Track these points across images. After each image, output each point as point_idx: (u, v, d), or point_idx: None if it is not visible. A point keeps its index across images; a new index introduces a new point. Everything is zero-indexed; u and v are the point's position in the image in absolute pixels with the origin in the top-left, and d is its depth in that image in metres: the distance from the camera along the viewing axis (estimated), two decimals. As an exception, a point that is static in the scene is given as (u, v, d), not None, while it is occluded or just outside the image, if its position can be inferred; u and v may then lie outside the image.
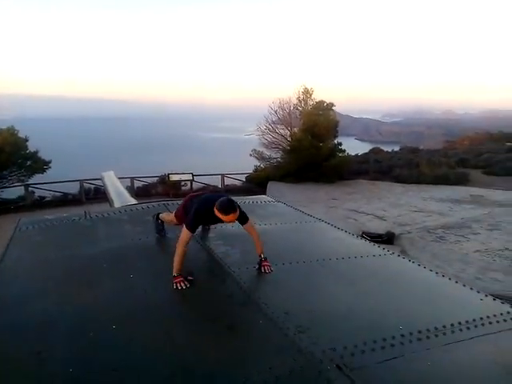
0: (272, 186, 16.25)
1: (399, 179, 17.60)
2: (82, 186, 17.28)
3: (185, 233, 2.79)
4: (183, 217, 3.21)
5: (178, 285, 2.64)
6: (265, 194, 17.26)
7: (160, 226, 3.75)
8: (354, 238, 3.95)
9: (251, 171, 20.61)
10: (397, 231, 9.90)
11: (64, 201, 16.94)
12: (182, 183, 19.12)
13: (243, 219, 2.90)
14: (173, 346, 2.02)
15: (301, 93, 18.12)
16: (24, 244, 3.74)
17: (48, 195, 17.16)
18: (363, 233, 9.65)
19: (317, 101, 18.00)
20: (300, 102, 18.20)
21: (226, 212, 2.65)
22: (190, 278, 2.73)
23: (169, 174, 18.71)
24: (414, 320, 2.31)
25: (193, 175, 18.79)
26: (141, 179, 19.50)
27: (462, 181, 16.94)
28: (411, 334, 2.15)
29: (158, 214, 3.79)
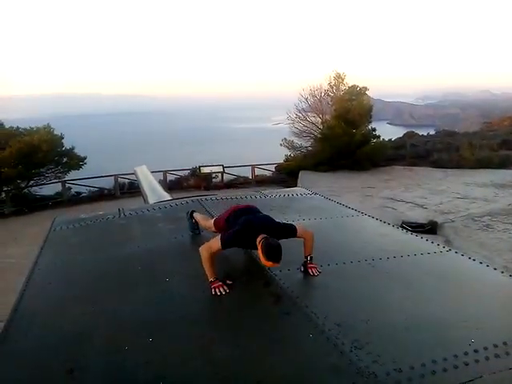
0: (304, 175, 15.91)
1: (438, 164, 16.81)
2: (116, 181, 17.61)
3: (216, 244, 2.59)
4: (224, 227, 3.00)
5: (217, 290, 2.45)
6: (296, 183, 17.12)
7: (195, 225, 3.58)
8: (403, 233, 3.64)
9: (281, 161, 20.33)
10: (439, 220, 9.38)
11: (99, 196, 17.36)
12: (213, 175, 19.14)
13: (291, 233, 2.67)
14: (212, 364, 1.83)
15: (332, 78, 17.54)
16: (58, 245, 3.68)
17: (84, 191, 17.66)
18: (403, 223, 9.19)
19: (349, 86, 17.34)
20: (332, 87, 17.63)
21: (269, 258, 2.38)
22: (228, 282, 2.54)
23: (200, 167, 18.77)
24: (487, 331, 2.01)
25: (223, 167, 18.75)
26: (173, 172, 19.65)
27: (505, 164, 15.95)
28: (486, 348, 1.86)
29: (192, 211, 3.61)
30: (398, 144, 21.13)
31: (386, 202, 11.39)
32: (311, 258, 2.71)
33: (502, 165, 15.73)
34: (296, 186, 17.10)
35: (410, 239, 3.45)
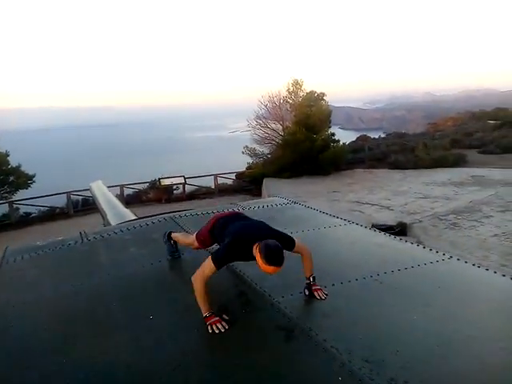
0: (268, 182, 15.73)
1: (396, 165, 17.26)
2: (69, 199, 16.53)
3: (209, 267, 2.22)
4: (208, 240, 2.65)
5: (214, 327, 2.08)
6: (260, 191, 16.90)
7: (173, 248, 3.17)
8: (397, 242, 3.43)
9: (242, 169, 20.07)
10: (407, 221, 9.47)
11: (51, 215, 16.19)
12: (174, 187, 18.51)
13: (289, 245, 2.33)
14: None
15: (290, 85, 17.57)
16: (13, 281, 3.13)
17: (34, 211, 16.39)
18: (373, 225, 9.19)
19: (307, 92, 17.45)
20: (290, 94, 17.64)
21: (270, 262, 2.05)
22: (225, 316, 2.17)
23: (160, 179, 18.09)
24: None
25: (184, 178, 18.20)
26: (130, 186, 18.80)
27: (459, 162, 16.67)
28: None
29: (170, 232, 3.21)
30: (356, 147, 21.60)
31: (353, 206, 11.42)
32: (314, 278, 2.42)
33: (456, 163, 16.42)
34: (260, 193, 16.94)
35: (407, 248, 3.26)
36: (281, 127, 18.02)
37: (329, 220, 4.13)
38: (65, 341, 2.15)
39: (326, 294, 2.34)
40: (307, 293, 2.36)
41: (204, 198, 17.50)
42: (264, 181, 16.09)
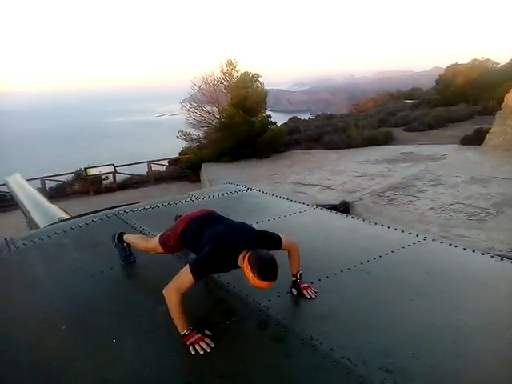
0: (207, 168, 15.26)
1: (330, 146, 17.68)
2: (-19, 196, 14.63)
3: (186, 279, 1.86)
4: (178, 245, 2.27)
5: (198, 347, 1.74)
6: (198, 177, 16.36)
7: (126, 251, 2.72)
8: (365, 224, 3.32)
9: (176, 154, 19.29)
10: (349, 199, 9.69)
11: (-39, 216, 14.23)
12: (103, 177, 17.24)
13: (277, 245, 2.05)
14: None
15: (224, 65, 17.02)
16: None
17: None
18: (318, 206, 9.28)
19: (241, 73, 17.04)
20: (224, 74, 17.11)
21: (264, 276, 1.75)
22: (207, 332, 1.84)
23: (86, 169, 16.73)
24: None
25: (114, 166, 17.00)
26: (52, 178, 17.17)
27: (388, 140, 17.52)
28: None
29: (120, 233, 2.74)
30: (291, 129, 21.81)
31: (296, 187, 11.45)
32: (301, 275, 2.17)
33: (385, 141, 17.25)
34: (199, 179, 16.41)
35: (379, 231, 3.14)
36: (216, 110, 17.49)
37: (291, 206, 3.91)
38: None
39: (315, 292, 2.10)
40: (295, 292, 2.11)
41: (138, 187, 16.56)
42: (202, 166, 15.58)
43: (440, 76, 27.03)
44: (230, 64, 17.09)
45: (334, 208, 9.30)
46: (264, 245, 1.96)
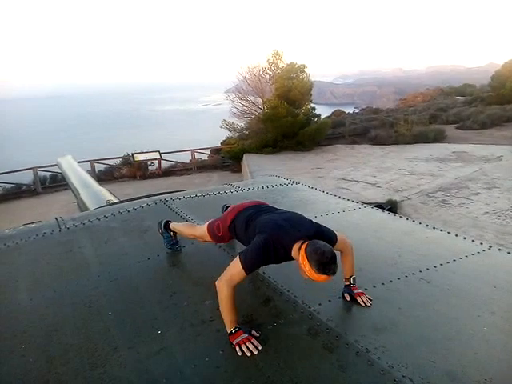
0: (249, 158, 15.21)
1: (377, 141, 17.08)
2: (36, 175, 15.47)
3: (237, 272, 1.78)
4: (227, 236, 2.20)
5: (244, 347, 1.66)
6: (240, 167, 16.37)
7: (172, 240, 2.69)
8: (422, 227, 3.09)
9: (218, 144, 19.41)
10: (396, 198, 9.28)
11: (17, 193, 15.14)
12: (149, 163, 17.68)
13: (331, 241, 1.89)
14: None
15: (270, 55, 16.80)
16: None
17: (-2, 188, 15.27)
18: (362, 203, 8.97)
19: (287, 63, 16.76)
20: (270, 64, 16.89)
21: (322, 270, 1.63)
22: (254, 332, 1.75)
23: (133, 154, 17.20)
24: None
25: (160, 153, 17.37)
26: (102, 162, 17.81)
27: (439, 138, 16.64)
28: None
29: (167, 221, 2.72)
30: (335, 122, 21.28)
31: (339, 183, 11.14)
32: (354, 279, 2.02)
33: (436, 139, 16.40)
34: (240, 169, 16.43)
35: (438, 236, 2.91)
36: (260, 100, 17.35)
37: (339, 203, 3.75)
38: (48, 368, 1.68)
39: (370, 300, 1.96)
40: (348, 298, 1.97)
41: (182, 175, 16.82)
42: (244, 156, 15.55)
43: (496, 72, 25.22)
44: (276, 54, 16.84)
45: (379, 207, 8.97)
46: (318, 239, 1.84)
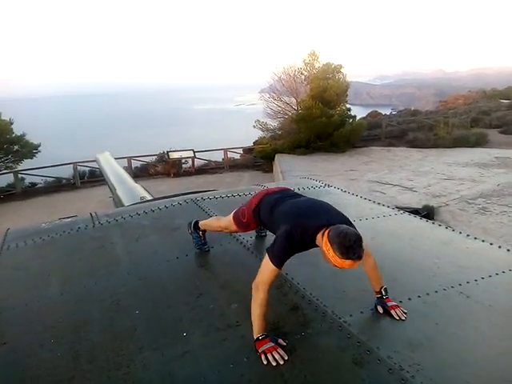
0: (281, 158, 15.10)
1: (415, 144, 16.53)
2: (75, 170, 16.05)
3: (270, 268, 1.74)
4: (252, 223, 2.18)
5: (270, 357, 1.60)
6: (271, 167, 16.30)
7: (201, 240, 2.67)
8: (462, 237, 2.92)
9: (250, 143, 19.41)
10: (433, 204, 8.91)
11: (57, 186, 15.79)
12: (183, 161, 17.96)
13: None
14: None
15: (307, 55, 16.62)
16: (14, 274, 2.66)
17: (40, 181, 15.98)
18: (398, 209, 8.68)
19: (323, 64, 16.52)
20: (306, 65, 16.71)
21: (348, 255, 1.55)
22: (281, 341, 1.69)
23: (168, 152, 17.51)
24: None
25: (194, 152, 17.60)
26: (138, 159, 18.26)
27: (481, 142, 15.90)
28: None
29: (196, 221, 2.70)
30: (371, 124, 20.77)
31: (373, 186, 10.84)
32: (386, 290, 1.92)
33: (477, 143, 15.67)
34: (271, 169, 16.37)
35: (479, 247, 2.72)
36: (294, 101, 17.20)
37: (373, 208, 3.61)
38: (74, 364, 1.69)
39: (404, 313, 1.85)
40: (381, 310, 1.87)
41: (214, 173, 16.96)
42: (276, 157, 15.46)
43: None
44: (313, 55, 16.63)
45: (415, 212, 8.63)
46: None
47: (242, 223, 2.27)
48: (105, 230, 3.22)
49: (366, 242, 1.91)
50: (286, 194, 2.12)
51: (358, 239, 1.58)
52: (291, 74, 17.12)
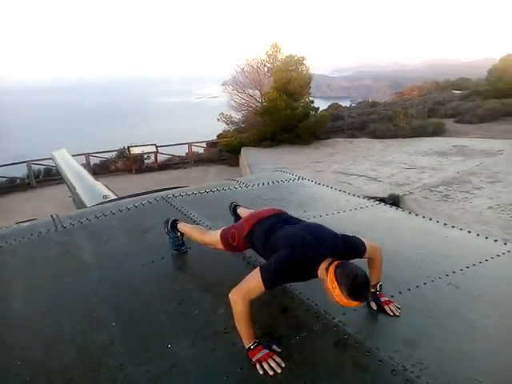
0: (247, 152, 15.00)
1: (376, 135, 16.93)
2: (30, 168, 15.18)
3: (257, 286, 1.61)
4: (243, 247, 2.03)
5: (266, 365, 1.49)
6: (237, 161, 16.17)
7: (179, 240, 2.51)
8: (439, 226, 2.93)
9: (214, 137, 19.16)
10: (398, 192, 9.15)
11: (10, 187, 14.86)
12: (145, 156, 17.42)
13: (360, 251, 1.77)
14: None
15: (269, 47, 16.53)
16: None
17: (-10, 182, 14.97)
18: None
19: (286, 55, 16.49)
20: (269, 57, 16.62)
21: (355, 295, 1.45)
22: (275, 347, 1.58)
23: (129, 147, 16.93)
24: None
25: (156, 146, 17.10)
26: (96, 155, 17.50)
27: (439, 131, 16.52)
28: None
29: (174, 220, 2.53)
30: (333, 116, 21.05)
31: (339, 177, 10.98)
32: (381, 286, 1.86)
33: (435, 132, 16.28)
34: (237, 163, 16.22)
35: (457, 235, 2.76)
36: (258, 93, 17.10)
37: (350, 200, 3.58)
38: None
39: (398, 308, 1.79)
40: (374, 307, 1.81)
41: (178, 169, 16.59)
42: (242, 150, 15.34)
43: (493, 66, 25.02)
44: (275, 46, 16.57)
45: (381, 201, 8.85)
46: (346, 252, 1.69)
47: (230, 245, 2.09)
48: (69, 234, 2.96)
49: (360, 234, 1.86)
50: (280, 219, 1.96)
51: (367, 281, 1.49)
52: (254, 66, 16.99)
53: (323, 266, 1.57)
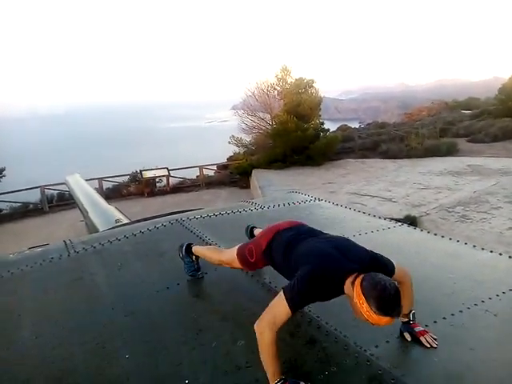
0: (258, 174, 14.97)
1: (388, 155, 16.81)
2: (43, 194, 15.31)
3: (283, 312, 1.48)
4: (261, 263, 1.91)
5: (293, 406, 1.36)
6: (248, 183, 16.15)
7: (194, 265, 2.40)
8: (470, 249, 2.78)
9: (224, 160, 19.26)
10: (413, 213, 8.94)
11: (24, 212, 14.98)
12: (157, 179, 17.52)
13: (389, 271, 1.61)
14: None
15: (279, 71, 16.75)
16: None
17: (5, 207, 15.13)
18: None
19: (296, 78, 16.68)
20: (279, 80, 16.82)
21: (385, 310, 1.33)
22: None
23: (141, 171, 17.05)
24: None
25: (168, 170, 17.22)
26: (109, 179, 17.65)
27: (452, 151, 16.35)
28: None
29: (189, 245, 2.44)
30: (344, 137, 21.05)
31: (353, 198, 10.82)
32: (414, 315, 1.72)
33: (449, 152, 16.10)
34: (248, 185, 16.19)
35: (491, 259, 2.60)
36: (269, 116, 17.23)
37: (371, 221, 3.46)
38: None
39: (435, 339, 1.65)
40: (409, 338, 1.67)
41: (190, 191, 16.60)
42: (253, 172, 15.32)
43: (502, 85, 24.90)
44: (285, 70, 16.79)
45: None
46: (373, 269, 1.55)
47: (248, 262, 1.98)
48: (82, 259, 2.89)
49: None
50: (301, 232, 1.85)
51: (397, 292, 1.36)
52: (264, 90, 17.18)
53: (349, 281, 1.45)
